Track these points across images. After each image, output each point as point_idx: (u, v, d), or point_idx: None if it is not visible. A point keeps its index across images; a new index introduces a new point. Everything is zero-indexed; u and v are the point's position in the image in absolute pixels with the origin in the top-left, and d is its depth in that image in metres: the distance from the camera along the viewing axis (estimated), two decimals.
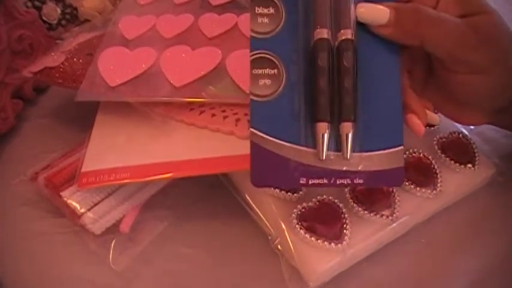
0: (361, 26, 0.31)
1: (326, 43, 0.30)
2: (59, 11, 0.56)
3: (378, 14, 0.31)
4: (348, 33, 0.30)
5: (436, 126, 0.43)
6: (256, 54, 0.31)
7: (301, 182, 0.30)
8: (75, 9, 0.57)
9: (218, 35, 0.45)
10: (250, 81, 0.30)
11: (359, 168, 0.30)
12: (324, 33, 0.30)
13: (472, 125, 0.43)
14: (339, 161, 0.30)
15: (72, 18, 0.57)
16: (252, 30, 0.31)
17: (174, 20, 0.47)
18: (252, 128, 0.30)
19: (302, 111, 0.31)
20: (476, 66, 0.32)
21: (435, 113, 0.38)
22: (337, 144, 0.30)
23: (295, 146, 0.30)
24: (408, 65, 0.34)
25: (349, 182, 0.30)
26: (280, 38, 0.31)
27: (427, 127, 0.42)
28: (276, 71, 0.31)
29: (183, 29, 0.46)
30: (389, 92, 0.31)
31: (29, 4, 0.54)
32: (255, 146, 0.30)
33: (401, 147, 0.31)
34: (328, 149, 0.30)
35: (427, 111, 0.34)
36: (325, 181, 0.30)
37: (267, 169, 0.30)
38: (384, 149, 0.31)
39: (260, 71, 0.30)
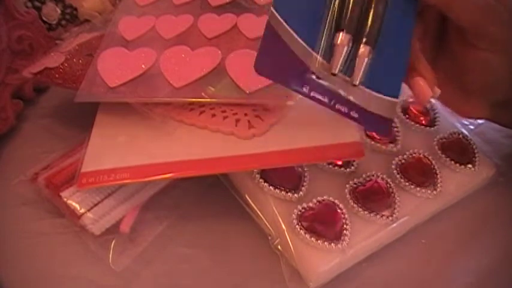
0: None
1: None
2: (58, 11, 0.56)
3: None
4: None
5: (434, 103, 0.43)
6: None
7: (304, 89, 0.29)
8: (75, 9, 0.57)
9: (218, 35, 0.45)
10: None
11: (359, 101, 0.30)
12: None
13: (470, 117, 0.42)
14: (346, 86, 0.30)
15: (72, 18, 0.57)
16: None
17: (174, 21, 0.47)
18: (274, 8, 0.28)
19: (329, 19, 0.30)
20: (497, 42, 0.31)
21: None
22: (347, 68, 0.29)
23: (309, 48, 0.29)
24: (419, 36, 0.33)
25: (346, 111, 0.30)
26: None
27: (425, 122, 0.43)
28: None
29: (182, 29, 0.46)
30: (399, 45, 0.31)
31: (29, 4, 0.54)
32: (270, 29, 0.28)
33: (397, 101, 0.31)
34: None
35: None
36: (326, 100, 0.29)
37: (274, 60, 0.29)
38: (382, 94, 0.30)
39: None
